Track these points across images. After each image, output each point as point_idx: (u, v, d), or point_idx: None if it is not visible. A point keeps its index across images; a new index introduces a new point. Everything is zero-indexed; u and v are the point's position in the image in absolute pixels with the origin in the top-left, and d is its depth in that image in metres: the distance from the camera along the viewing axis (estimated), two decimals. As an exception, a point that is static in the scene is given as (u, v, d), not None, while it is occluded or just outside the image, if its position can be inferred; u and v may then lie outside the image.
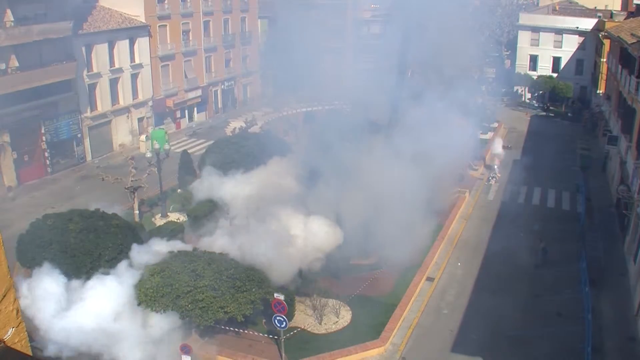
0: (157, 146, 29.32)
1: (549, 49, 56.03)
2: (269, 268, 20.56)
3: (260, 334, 20.32)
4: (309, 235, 22.71)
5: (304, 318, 21.56)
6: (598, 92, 48.35)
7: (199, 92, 49.97)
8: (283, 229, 22.16)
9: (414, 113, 29.56)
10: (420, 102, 30.67)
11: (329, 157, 26.44)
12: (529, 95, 57.69)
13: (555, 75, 55.61)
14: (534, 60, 57.07)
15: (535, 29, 56.08)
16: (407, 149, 27.00)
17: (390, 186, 24.72)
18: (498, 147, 39.86)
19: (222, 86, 53.64)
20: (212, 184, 27.63)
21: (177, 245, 21.95)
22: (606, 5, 59.40)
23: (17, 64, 33.87)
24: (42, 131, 36.53)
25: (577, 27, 54.12)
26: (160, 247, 21.29)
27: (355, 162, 25.93)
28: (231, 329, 19.97)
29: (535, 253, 26.83)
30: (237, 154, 30.19)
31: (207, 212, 26.63)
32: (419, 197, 25.47)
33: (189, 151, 36.25)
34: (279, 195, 25.07)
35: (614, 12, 52.51)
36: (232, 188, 26.94)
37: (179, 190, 32.28)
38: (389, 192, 24.50)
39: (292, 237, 22.12)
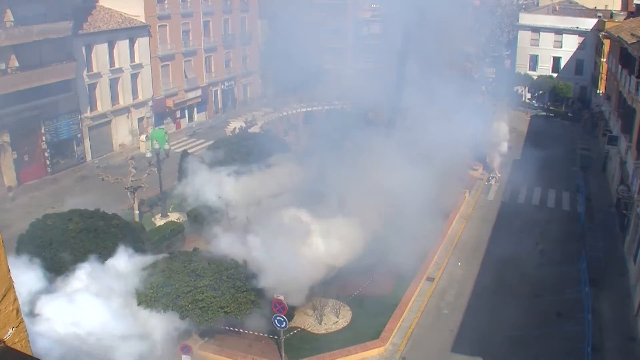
0: (157, 146, 29.32)
1: (549, 49, 55.95)
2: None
3: (260, 334, 20.30)
4: (326, 251, 21.37)
5: (304, 318, 21.56)
6: (598, 92, 48.31)
7: (199, 92, 49.93)
8: (298, 249, 20.34)
9: (414, 112, 29.54)
10: (420, 101, 30.65)
11: (330, 157, 26.34)
12: (529, 95, 57.66)
13: (555, 75, 55.55)
14: (534, 60, 56.97)
15: (535, 29, 56.01)
16: (407, 148, 26.93)
17: (391, 187, 24.62)
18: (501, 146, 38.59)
19: (222, 86, 53.58)
20: (199, 185, 27.40)
21: (146, 260, 20.34)
22: (606, 5, 59.32)
23: (17, 64, 33.85)
24: (42, 131, 36.51)
25: (577, 27, 54.09)
26: (120, 262, 19.85)
27: (357, 163, 25.80)
28: (231, 329, 19.97)
29: (534, 254, 26.85)
30: (237, 154, 30.21)
31: (207, 212, 26.62)
32: (421, 197, 25.36)
33: (189, 151, 36.23)
34: (278, 197, 24.92)
35: (614, 12, 52.45)
36: (221, 189, 26.64)
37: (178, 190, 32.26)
38: (391, 193, 24.40)
39: (307, 259, 20.53)
